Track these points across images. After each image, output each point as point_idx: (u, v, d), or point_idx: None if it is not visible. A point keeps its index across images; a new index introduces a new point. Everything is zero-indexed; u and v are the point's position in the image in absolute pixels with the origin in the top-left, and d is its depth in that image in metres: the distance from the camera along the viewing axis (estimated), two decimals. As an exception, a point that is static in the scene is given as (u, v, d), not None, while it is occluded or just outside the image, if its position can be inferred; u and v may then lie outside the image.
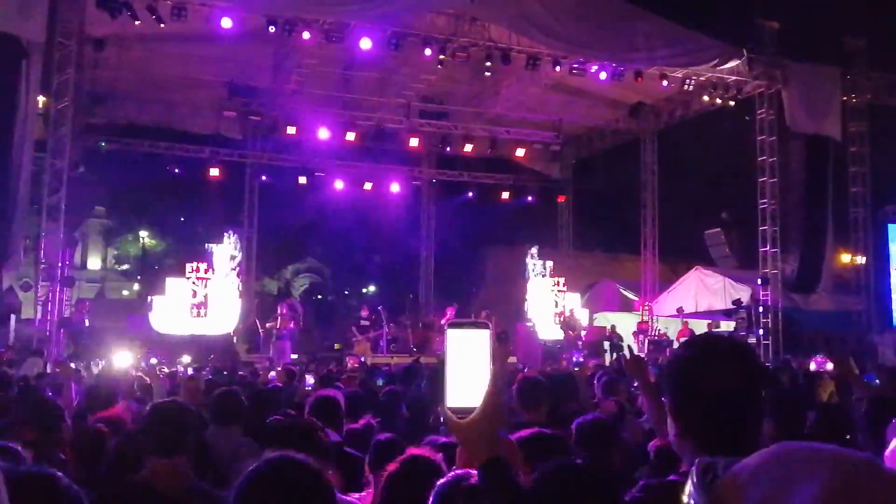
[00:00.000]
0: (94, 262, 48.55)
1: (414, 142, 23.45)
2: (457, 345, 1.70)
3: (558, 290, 24.28)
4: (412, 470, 2.55)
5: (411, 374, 6.81)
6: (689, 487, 1.01)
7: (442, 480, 2.21)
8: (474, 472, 1.74)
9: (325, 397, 4.84)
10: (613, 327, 22.92)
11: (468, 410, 1.66)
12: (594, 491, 2.14)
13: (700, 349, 1.87)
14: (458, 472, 2.14)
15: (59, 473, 1.41)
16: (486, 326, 1.73)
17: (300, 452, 1.90)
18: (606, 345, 22.31)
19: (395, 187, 27.42)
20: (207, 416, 5.02)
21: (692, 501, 1.00)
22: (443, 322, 21.55)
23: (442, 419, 1.70)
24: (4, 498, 0.93)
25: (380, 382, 8.53)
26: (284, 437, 2.94)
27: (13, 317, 16.25)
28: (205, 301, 20.39)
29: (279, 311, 20.13)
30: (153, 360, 15.07)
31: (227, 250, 21.53)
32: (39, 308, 16.20)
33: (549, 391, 5.63)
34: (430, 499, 2.17)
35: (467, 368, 1.68)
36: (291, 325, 19.86)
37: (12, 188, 14.93)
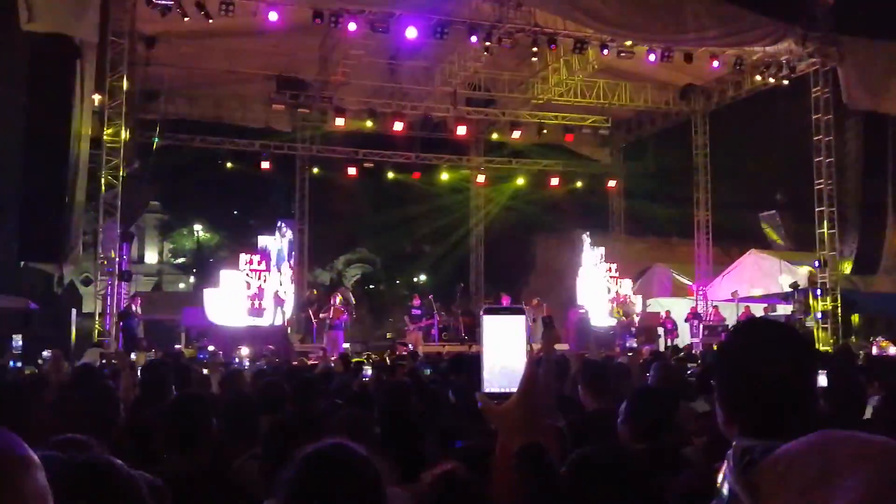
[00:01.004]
0: (150, 256, 49.52)
1: (461, 130, 23.42)
2: (492, 331, 1.70)
3: (610, 276, 24.09)
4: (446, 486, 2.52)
5: (458, 363, 6.83)
6: (723, 471, 0.98)
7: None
8: None
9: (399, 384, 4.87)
10: (668, 312, 22.68)
11: (505, 396, 1.66)
12: (627, 476, 2.12)
13: (748, 334, 1.84)
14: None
15: (117, 461, 1.44)
16: (521, 312, 1.73)
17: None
18: (661, 331, 22.11)
19: (443, 176, 27.44)
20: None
21: (727, 485, 0.97)
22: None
23: (479, 405, 1.70)
24: (41, 482, 0.93)
25: (427, 372, 8.55)
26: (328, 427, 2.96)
27: (74, 311, 16.66)
28: (259, 293, 20.65)
29: (332, 302, 20.30)
30: (211, 348, 15.39)
31: (279, 242, 21.77)
32: (99, 302, 16.60)
33: (616, 378, 5.59)
34: None
35: (503, 354, 1.68)
36: (345, 316, 20.02)
37: (69, 185, 15.30)
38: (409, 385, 5.12)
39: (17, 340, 8.09)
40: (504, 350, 1.68)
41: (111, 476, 1.40)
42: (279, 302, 20.81)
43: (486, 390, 1.68)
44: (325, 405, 4.99)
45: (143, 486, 1.42)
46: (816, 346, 18.39)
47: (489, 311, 1.72)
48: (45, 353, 7.74)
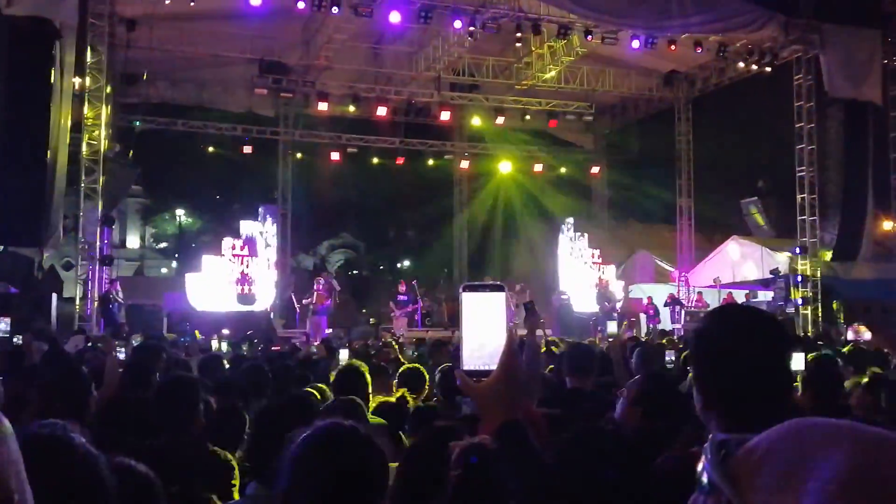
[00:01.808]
0: (132, 241, 49.21)
1: (445, 115, 23.37)
2: (472, 308, 1.67)
3: (593, 262, 24.16)
4: (432, 439, 2.56)
5: (438, 346, 6.89)
6: (702, 463, 0.99)
7: (459, 445, 2.22)
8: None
9: (351, 371, 4.89)
10: (650, 299, 22.78)
11: (485, 374, 1.64)
12: (615, 458, 2.13)
13: (723, 320, 1.85)
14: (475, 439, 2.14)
15: (77, 436, 1.42)
16: (501, 289, 1.69)
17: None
18: (643, 317, 22.21)
19: (427, 161, 27.40)
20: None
21: (705, 477, 0.98)
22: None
23: (458, 383, 1.68)
24: (14, 451, 0.93)
25: (412, 353, 8.59)
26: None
27: (55, 296, 16.54)
28: (243, 277, 20.56)
29: (315, 287, 20.25)
30: (197, 333, 15.31)
31: (261, 227, 21.66)
32: (79, 287, 16.50)
33: (599, 361, 5.67)
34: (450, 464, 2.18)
35: (483, 332, 1.66)
36: (328, 301, 19.99)
37: (50, 169, 15.17)
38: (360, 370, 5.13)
39: (5, 323, 8.02)
40: (484, 327, 1.66)
41: (65, 450, 1.38)
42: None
43: (466, 367, 1.65)
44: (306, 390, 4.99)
45: (104, 466, 1.41)
46: (797, 332, 18.57)
47: (468, 288, 1.69)
48: (15, 339, 7.65)
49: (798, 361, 5.80)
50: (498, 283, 1.75)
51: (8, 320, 8.20)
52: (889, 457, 0.85)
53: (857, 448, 0.85)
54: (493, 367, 1.63)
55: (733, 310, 1.96)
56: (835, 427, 0.89)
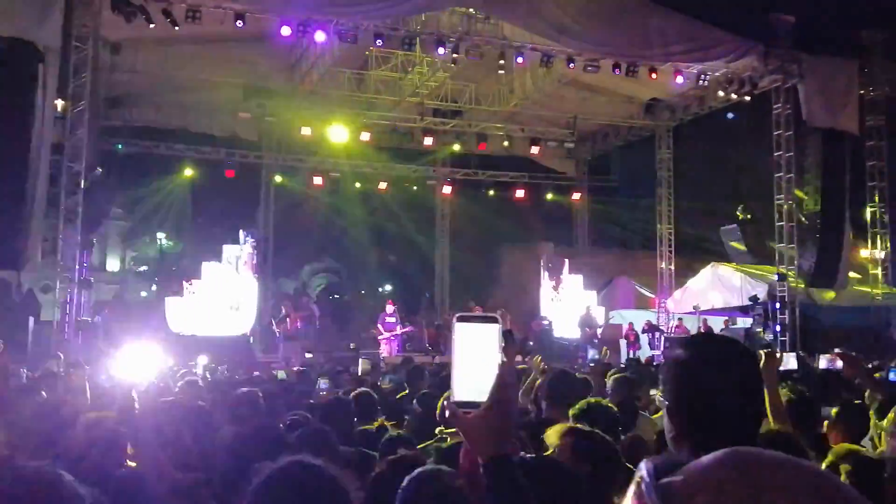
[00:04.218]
0: (112, 264, 48.77)
1: (428, 141, 23.48)
2: (465, 339, 1.66)
3: (574, 289, 24.22)
4: (397, 469, 2.56)
5: (415, 374, 6.85)
6: (631, 489, 0.98)
7: (411, 475, 2.23)
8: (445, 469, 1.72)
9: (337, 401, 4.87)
10: (631, 325, 22.84)
11: (475, 405, 1.62)
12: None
13: (696, 350, 1.87)
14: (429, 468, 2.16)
15: (63, 472, 1.41)
16: (495, 321, 1.69)
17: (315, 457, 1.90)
18: (623, 343, 22.25)
19: (410, 187, 27.45)
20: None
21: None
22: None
23: (447, 414, 1.66)
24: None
25: (387, 381, 8.55)
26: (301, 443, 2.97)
27: (31, 319, 16.35)
28: (227, 301, 20.47)
29: (283, 311, 20.13)
30: (170, 362, 15.16)
31: (241, 251, 21.59)
32: (57, 310, 16.33)
33: (580, 389, 5.58)
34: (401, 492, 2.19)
35: (475, 363, 1.64)
36: (298, 324, 19.89)
37: (29, 191, 15.07)
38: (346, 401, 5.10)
39: None
40: (476, 359, 1.64)
41: (55, 488, 1.38)
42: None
43: (456, 399, 1.63)
44: (289, 419, 4.97)
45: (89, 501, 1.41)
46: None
47: (462, 319, 1.67)
48: None
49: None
50: (492, 314, 1.74)
51: None
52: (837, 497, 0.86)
53: (809, 490, 0.85)
54: (484, 399, 1.61)
55: (705, 340, 1.98)
56: (793, 472, 0.89)
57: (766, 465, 0.89)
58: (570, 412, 3.70)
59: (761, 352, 4.28)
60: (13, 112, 15.07)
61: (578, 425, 3.05)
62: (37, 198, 15.34)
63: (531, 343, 20.41)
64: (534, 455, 2.60)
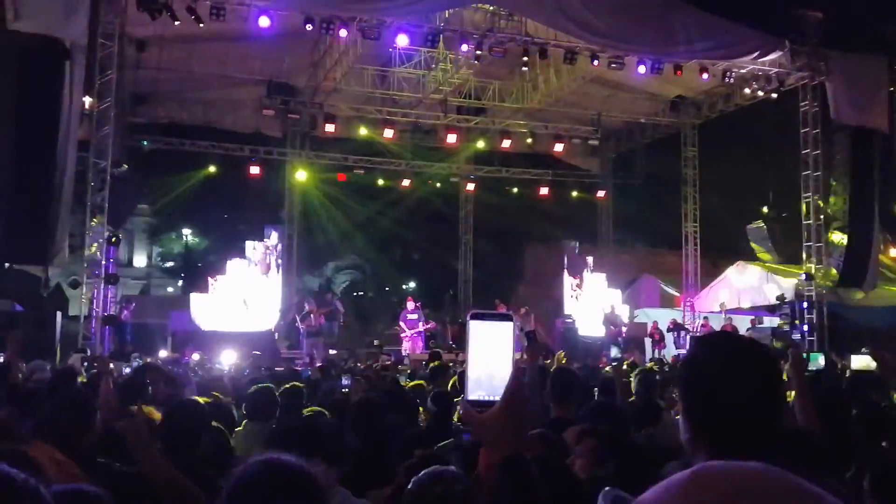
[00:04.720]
0: (139, 260, 49.34)
1: (452, 138, 23.44)
2: (479, 337, 1.64)
3: (598, 287, 24.11)
4: (417, 470, 2.54)
5: (437, 372, 6.83)
6: None
7: (416, 478, 2.21)
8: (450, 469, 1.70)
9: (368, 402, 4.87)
10: (656, 324, 22.70)
11: (489, 404, 1.60)
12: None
13: (712, 349, 1.83)
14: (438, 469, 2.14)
15: (19, 473, 1.39)
16: (509, 318, 1.68)
17: (306, 453, 1.87)
18: (648, 342, 22.13)
19: (433, 184, 27.45)
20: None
21: None
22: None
23: (461, 413, 1.64)
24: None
25: (404, 379, 8.54)
26: (293, 438, 2.95)
27: (59, 314, 16.54)
28: (247, 298, 20.59)
29: (306, 308, 20.20)
30: (196, 356, 15.32)
31: (266, 247, 21.70)
32: (85, 305, 16.51)
33: (581, 387, 5.54)
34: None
35: (489, 361, 1.63)
36: (322, 321, 19.95)
37: (56, 187, 15.23)
38: (377, 401, 5.09)
39: None
40: (490, 357, 1.63)
41: (8, 488, 1.36)
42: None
43: (470, 398, 1.61)
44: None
45: (48, 500, 1.39)
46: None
47: (476, 317, 1.66)
48: None
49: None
50: (506, 312, 1.72)
51: None
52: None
53: None
54: (498, 397, 1.59)
55: (721, 338, 1.94)
56: (731, 483, 0.85)
57: (721, 485, 0.86)
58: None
59: (789, 351, 4.22)
60: (41, 109, 15.23)
61: (597, 426, 3.01)
62: (64, 194, 15.49)
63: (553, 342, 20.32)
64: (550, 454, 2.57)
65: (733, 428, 1.71)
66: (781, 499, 0.85)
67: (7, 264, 16.33)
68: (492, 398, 1.60)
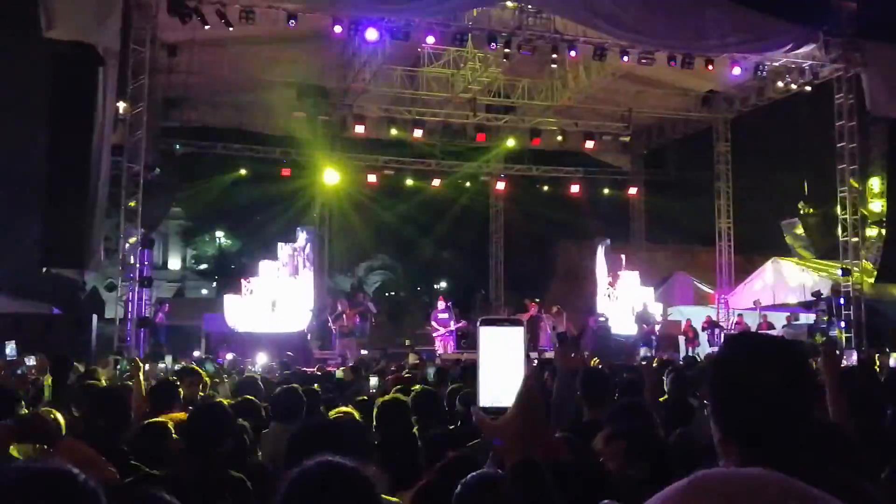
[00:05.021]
0: (174, 263, 49.89)
1: (481, 137, 23.41)
2: (489, 343, 1.65)
3: (630, 285, 23.93)
4: (448, 472, 2.53)
5: (468, 371, 6.82)
6: None
7: (466, 480, 2.19)
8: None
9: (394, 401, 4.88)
10: (689, 322, 22.48)
11: (501, 411, 1.60)
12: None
13: (739, 347, 1.80)
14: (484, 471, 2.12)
15: (76, 471, 1.42)
16: (519, 324, 1.67)
17: (343, 452, 1.91)
18: (681, 340, 21.93)
19: (463, 183, 27.43)
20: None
21: None
22: (525, 318, 21.42)
23: (474, 420, 1.65)
24: None
25: (430, 376, 8.54)
26: (326, 438, 2.96)
27: (95, 317, 16.78)
28: (277, 299, 20.71)
29: (339, 308, 20.28)
30: (229, 356, 15.46)
31: (297, 248, 21.80)
32: (120, 308, 16.72)
33: (614, 387, 5.48)
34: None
35: (501, 367, 1.63)
36: (356, 321, 20.03)
37: (91, 192, 15.44)
38: (399, 401, 5.10)
39: (11, 347, 7.87)
40: (501, 363, 1.63)
41: (68, 485, 1.38)
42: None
43: (482, 404, 1.62)
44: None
45: (103, 498, 1.41)
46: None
47: (486, 323, 1.67)
48: (30, 360, 7.51)
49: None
50: (516, 318, 1.73)
51: (13, 343, 8.09)
52: None
53: None
54: (511, 403, 1.59)
55: (750, 337, 1.90)
56: (727, 493, 0.83)
57: (717, 496, 0.84)
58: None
59: (821, 347, 4.15)
60: (75, 115, 15.45)
61: (625, 428, 2.97)
62: (99, 198, 15.71)
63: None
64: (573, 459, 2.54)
65: (763, 427, 1.68)
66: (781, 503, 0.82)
67: (44, 269, 16.58)
68: (504, 405, 1.60)
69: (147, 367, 8.99)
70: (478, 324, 1.69)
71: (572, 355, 6.08)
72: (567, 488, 1.95)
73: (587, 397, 4.90)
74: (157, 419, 4.28)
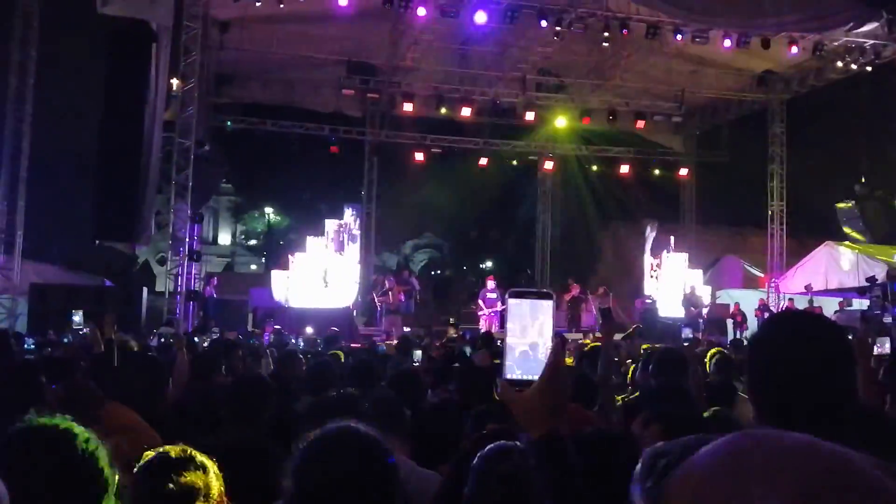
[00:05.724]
0: (224, 238, 50.67)
1: (530, 115, 23.22)
2: (518, 315, 1.62)
3: (678, 267, 23.65)
4: (486, 445, 2.52)
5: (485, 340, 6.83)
6: (635, 475, 0.90)
7: (482, 452, 2.19)
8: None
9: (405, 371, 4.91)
10: (738, 305, 22.15)
11: (527, 383, 1.58)
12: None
13: (779, 327, 1.75)
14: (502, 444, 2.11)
15: (79, 426, 1.43)
16: (549, 296, 1.65)
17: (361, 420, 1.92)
18: (729, 323, 21.62)
19: (511, 162, 27.28)
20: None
21: (636, 489, 0.89)
22: (566, 298, 21.31)
23: (498, 392, 1.63)
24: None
25: (467, 350, 8.55)
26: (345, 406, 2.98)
27: (145, 289, 17.12)
28: (325, 274, 20.89)
29: (385, 285, 20.38)
30: (275, 331, 15.65)
31: (339, 225, 21.91)
32: (170, 282, 17.03)
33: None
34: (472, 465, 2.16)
35: (528, 340, 1.61)
36: (402, 298, 20.12)
37: (143, 167, 15.71)
38: (414, 372, 5.13)
39: (79, 316, 8.16)
40: (529, 335, 1.61)
41: (62, 441, 1.40)
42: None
43: (508, 376, 1.60)
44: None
45: (104, 454, 1.42)
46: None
47: (515, 295, 1.65)
48: (84, 329, 7.70)
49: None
50: (545, 290, 1.69)
51: (81, 312, 8.36)
52: (831, 493, 0.76)
53: (798, 485, 0.76)
54: (536, 376, 1.57)
55: (790, 316, 1.85)
56: (784, 452, 0.80)
57: (763, 452, 0.80)
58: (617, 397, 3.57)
59: (852, 337, 4.03)
60: (129, 91, 15.72)
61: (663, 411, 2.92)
62: (151, 173, 15.99)
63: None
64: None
65: (796, 406, 1.64)
66: (823, 473, 0.79)
67: (97, 242, 16.94)
68: (530, 377, 1.58)
69: (196, 339, 9.14)
70: (507, 295, 1.66)
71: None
72: (593, 460, 1.93)
73: (657, 373, 4.93)
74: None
